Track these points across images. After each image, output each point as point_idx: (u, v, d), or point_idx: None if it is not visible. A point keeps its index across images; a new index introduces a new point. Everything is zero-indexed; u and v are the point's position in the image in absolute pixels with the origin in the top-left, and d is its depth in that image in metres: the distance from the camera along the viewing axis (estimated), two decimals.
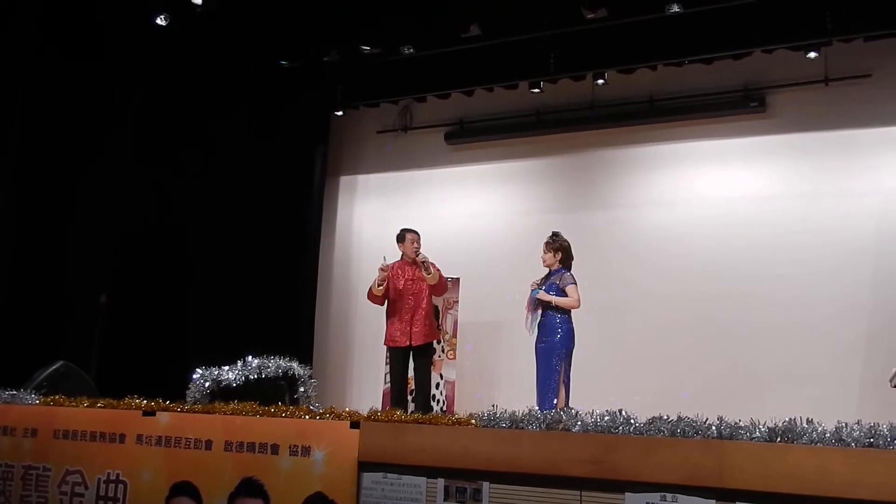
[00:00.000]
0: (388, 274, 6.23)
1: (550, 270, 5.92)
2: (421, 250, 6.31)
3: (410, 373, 6.32)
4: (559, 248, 5.91)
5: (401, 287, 6.25)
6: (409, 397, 6.46)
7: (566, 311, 5.76)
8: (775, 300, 6.75)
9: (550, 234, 6.02)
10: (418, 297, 6.24)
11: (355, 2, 6.99)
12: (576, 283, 5.76)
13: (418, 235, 6.40)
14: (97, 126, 7.21)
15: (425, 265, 6.20)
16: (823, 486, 2.75)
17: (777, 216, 6.91)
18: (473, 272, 7.56)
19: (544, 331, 5.77)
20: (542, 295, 5.77)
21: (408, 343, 6.18)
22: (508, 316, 6.91)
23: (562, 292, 5.76)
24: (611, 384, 7.14)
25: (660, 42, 6.75)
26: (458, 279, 7.66)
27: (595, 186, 7.75)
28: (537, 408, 5.16)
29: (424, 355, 6.31)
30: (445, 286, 6.53)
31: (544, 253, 5.95)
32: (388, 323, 6.32)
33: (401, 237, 6.43)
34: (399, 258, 6.42)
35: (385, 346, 6.47)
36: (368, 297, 6.42)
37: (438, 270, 6.31)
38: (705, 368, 6.82)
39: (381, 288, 6.21)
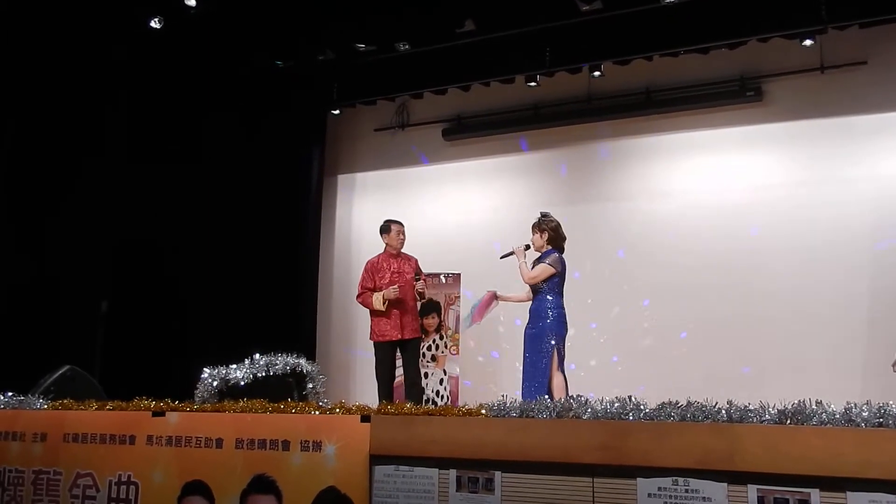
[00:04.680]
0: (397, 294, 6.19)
1: (541, 253, 5.86)
2: (421, 279, 6.33)
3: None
4: (545, 228, 5.84)
5: (387, 281, 6.22)
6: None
7: (557, 295, 5.66)
8: (774, 288, 6.77)
9: (539, 214, 5.95)
10: (405, 290, 6.21)
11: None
12: (552, 266, 5.66)
13: (403, 227, 6.38)
14: (92, 130, 7.19)
15: (422, 295, 6.30)
16: (834, 467, 2.76)
17: (775, 204, 6.94)
18: (474, 267, 7.57)
19: (534, 316, 5.69)
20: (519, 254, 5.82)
21: (399, 336, 6.16)
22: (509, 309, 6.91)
23: None
24: (611, 376, 7.19)
25: (655, 33, 6.76)
26: (458, 275, 7.67)
27: (593, 179, 7.78)
28: (520, 396, 5.14)
29: (413, 348, 6.32)
30: None
31: (532, 235, 5.90)
32: (376, 318, 6.26)
33: (385, 228, 6.38)
34: (382, 251, 6.41)
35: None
36: (361, 302, 6.35)
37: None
38: (705, 359, 6.84)
39: (385, 305, 6.16)
